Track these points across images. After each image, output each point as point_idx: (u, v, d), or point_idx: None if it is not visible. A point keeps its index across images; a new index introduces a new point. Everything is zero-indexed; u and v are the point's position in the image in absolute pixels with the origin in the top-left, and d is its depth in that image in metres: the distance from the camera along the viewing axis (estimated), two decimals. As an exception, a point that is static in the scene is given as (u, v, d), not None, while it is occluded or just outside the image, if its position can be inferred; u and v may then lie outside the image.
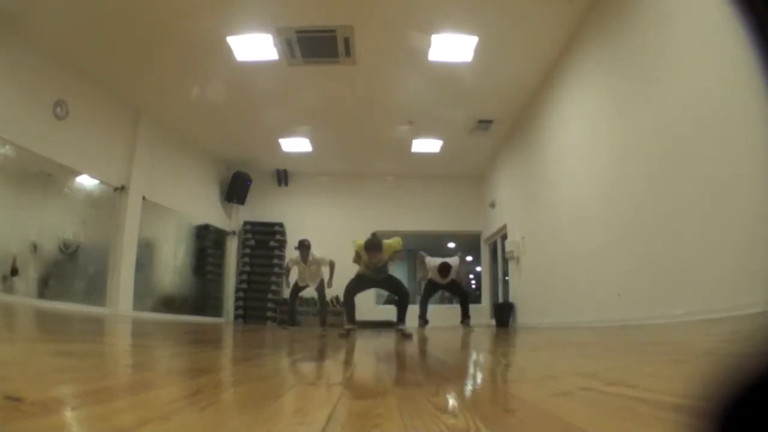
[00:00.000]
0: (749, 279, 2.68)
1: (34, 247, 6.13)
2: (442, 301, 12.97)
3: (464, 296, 6.90)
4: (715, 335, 2.55)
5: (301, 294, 7.73)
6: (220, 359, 2.48)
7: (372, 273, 5.15)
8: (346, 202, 11.12)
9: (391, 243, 5.06)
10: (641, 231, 4.28)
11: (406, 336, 4.82)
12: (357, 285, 5.28)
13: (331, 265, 7.19)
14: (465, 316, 6.71)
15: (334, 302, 9.41)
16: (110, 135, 7.35)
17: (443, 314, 9.04)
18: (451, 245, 13.02)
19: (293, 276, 7.49)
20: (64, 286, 6.58)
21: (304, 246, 7.34)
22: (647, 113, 4.21)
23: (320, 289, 7.46)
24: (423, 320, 6.83)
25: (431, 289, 6.85)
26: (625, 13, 4.60)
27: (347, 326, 5.12)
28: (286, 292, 10.36)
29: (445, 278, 6.51)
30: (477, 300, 11.57)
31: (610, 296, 4.70)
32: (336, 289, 7.78)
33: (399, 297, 5.44)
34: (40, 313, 5.31)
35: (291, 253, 7.70)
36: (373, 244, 4.86)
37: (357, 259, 5.17)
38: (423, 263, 6.79)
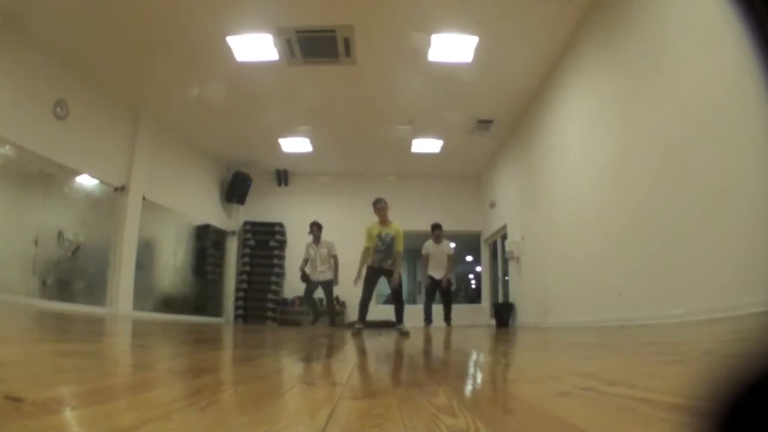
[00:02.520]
0: (749, 279, 2.68)
1: (34, 248, 6.13)
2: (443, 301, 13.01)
3: (449, 302, 7.64)
4: (715, 335, 2.55)
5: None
6: (220, 359, 2.48)
7: (380, 255, 5.59)
8: (346, 202, 11.11)
9: (399, 228, 5.76)
10: (641, 231, 4.28)
11: (403, 334, 5.25)
12: (369, 278, 5.65)
13: (335, 260, 7.39)
14: (447, 316, 7.56)
15: (335, 302, 9.38)
16: (110, 135, 7.35)
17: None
18: (452, 245, 13.02)
19: (308, 268, 7.54)
20: (64, 286, 6.58)
21: (317, 225, 7.53)
22: (647, 113, 4.21)
23: (329, 287, 7.48)
24: (428, 321, 7.26)
25: (432, 289, 7.48)
26: (625, 13, 4.60)
27: (357, 325, 5.50)
28: (287, 292, 10.45)
29: (439, 243, 7.36)
30: (477, 300, 11.58)
31: (610, 296, 4.70)
32: (337, 289, 7.78)
33: (395, 299, 5.88)
34: (40, 313, 5.32)
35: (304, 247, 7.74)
36: (378, 199, 5.77)
37: (368, 239, 5.71)
38: (424, 257, 7.57)
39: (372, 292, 5.72)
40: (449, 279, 7.50)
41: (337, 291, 7.86)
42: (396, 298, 5.88)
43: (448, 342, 4.50)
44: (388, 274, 5.68)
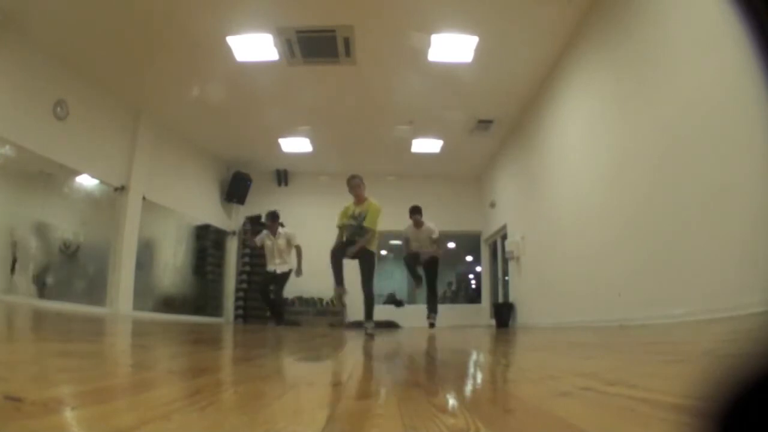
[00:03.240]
0: (749, 279, 2.68)
1: (34, 248, 6.13)
2: (443, 301, 12.99)
3: (433, 286, 6.66)
4: (715, 335, 2.55)
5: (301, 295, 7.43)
6: (220, 359, 2.48)
7: (351, 231, 5.12)
8: (346, 202, 11.10)
9: (376, 203, 5.25)
10: (641, 231, 4.28)
11: (368, 335, 4.81)
12: (337, 247, 5.17)
13: (298, 250, 6.87)
14: (431, 311, 6.53)
15: (333, 302, 9.36)
16: (110, 135, 7.35)
17: (445, 315, 9.01)
18: (451, 245, 13.04)
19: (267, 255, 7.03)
20: (64, 286, 6.58)
21: (270, 215, 6.99)
22: (647, 113, 4.21)
23: (281, 279, 6.95)
24: (419, 280, 6.54)
25: (411, 260, 6.59)
26: (625, 13, 4.60)
27: (338, 290, 5.02)
28: (287, 292, 10.42)
29: (419, 228, 6.48)
30: (477, 300, 11.59)
31: (610, 296, 4.70)
32: (316, 286, 7.55)
33: (363, 282, 5.15)
34: (40, 313, 5.31)
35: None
36: (352, 176, 5.36)
37: (339, 218, 5.33)
38: (405, 239, 6.75)
39: (341, 261, 5.09)
40: (434, 256, 6.52)
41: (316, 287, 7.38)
42: (363, 281, 5.14)
43: (448, 342, 4.49)
44: (359, 255, 5.10)
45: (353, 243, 5.10)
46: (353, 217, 5.19)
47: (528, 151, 7.81)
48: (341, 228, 5.29)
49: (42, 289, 6.18)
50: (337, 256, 5.09)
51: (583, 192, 5.62)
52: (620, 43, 4.70)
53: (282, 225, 7.14)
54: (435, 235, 6.54)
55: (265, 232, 7.11)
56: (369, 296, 5.14)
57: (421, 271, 6.66)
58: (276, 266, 6.88)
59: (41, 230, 6.27)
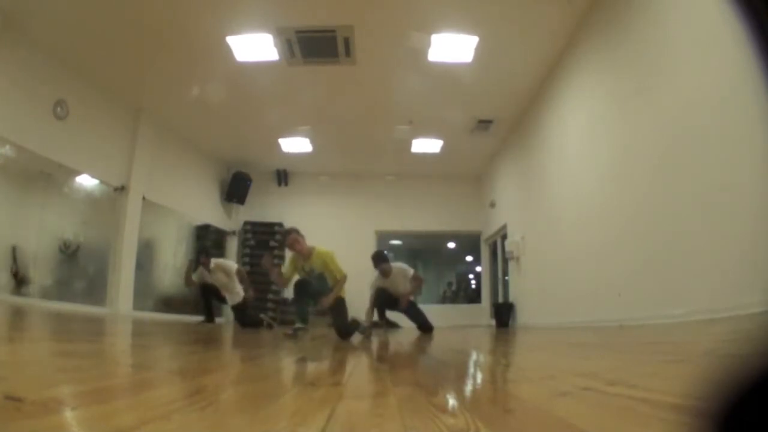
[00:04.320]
0: (749, 279, 2.68)
1: (34, 248, 6.13)
2: (443, 300, 13.00)
3: (417, 317, 6.18)
4: (715, 335, 2.55)
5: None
6: (220, 359, 2.49)
7: (313, 286, 4.73)
8: (346, 202, 11.13)
9: (325, 251, 4.78)
10: (641, 231, 4.29)
11: (366, 336, 4.72)
12: (303, 281, 4.82)
13: (240, 274, 6.68)
14: (420, 327, 6.13)
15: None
16: (110, 135, 7.35)
17: (445, 315, 9.02)
18: (451, 245, 13.04)
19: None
20: (64, 286, 6.58)
21: (204, 253, 6.76)
22: (647, 113, 4.21)
23: (238, 309, 6.67)
24: (386, 323, 6.20)
25: (384, 301, 5.99)
26: (625, 13, 4.60)
27: (296, 326, 4.57)
28: (287, 292, 10.43)
29: (388, 276, 5.92)
30: (477, 300, 11.59)
31: (610, 296, 4.70)
32: None
33: (337, 326, 4.72)
34: (40, 313, 5.32)
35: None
36: (287, 232, 4.82)
37: (289, 267, 4.91)
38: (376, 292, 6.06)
39: (305, 298, 4.81)
40: (408, 299, 6.01)
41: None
42: (338, 325, 4.68)
43: (448, 343, 4.49)
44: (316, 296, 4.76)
45: (318, 293, 4.70)
46: (306, 272, 4.73)
47: (528, 151, 7.81)
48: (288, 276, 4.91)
49: (42, 289, 6.17)
50: (303, 290, 4.73)
51: (583, 192, 5.62)
52: (620, 43, 4.70)
53: (214, 257, 6.92)
54: (411, 272, 6.10)
55: (200, 268, 6.72)
56: (342, 325, 4.70)
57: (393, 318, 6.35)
58: (229, 299, 6.64)
59: (41, 230, 6.26)
